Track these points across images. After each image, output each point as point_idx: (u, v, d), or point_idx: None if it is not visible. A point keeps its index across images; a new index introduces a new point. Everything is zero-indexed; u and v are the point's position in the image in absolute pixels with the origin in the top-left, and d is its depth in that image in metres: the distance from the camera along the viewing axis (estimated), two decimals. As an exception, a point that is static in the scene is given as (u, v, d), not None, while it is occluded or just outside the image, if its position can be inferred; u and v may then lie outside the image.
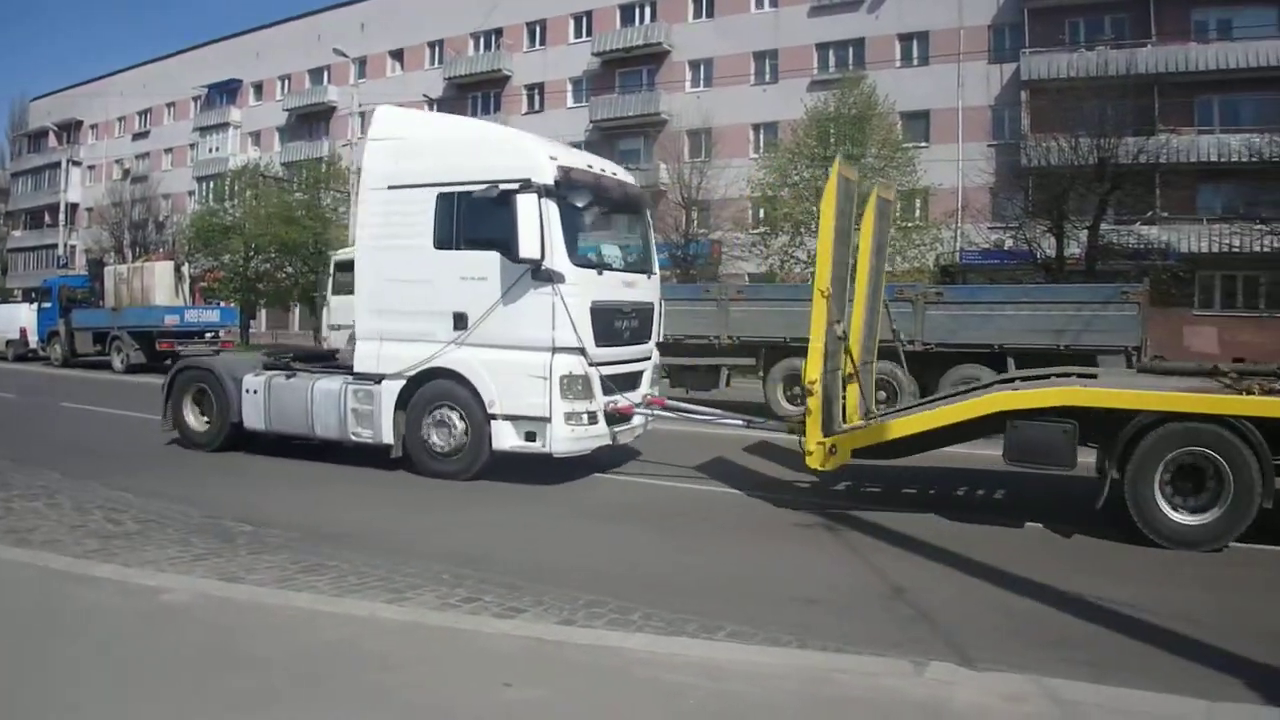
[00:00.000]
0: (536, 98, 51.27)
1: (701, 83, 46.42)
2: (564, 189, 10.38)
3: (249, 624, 5.45)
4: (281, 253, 47.37)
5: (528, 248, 9.98)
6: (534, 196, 10.01)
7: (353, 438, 11.38)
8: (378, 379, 11.13)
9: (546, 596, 6.41)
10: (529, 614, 6.04)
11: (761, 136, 43.75)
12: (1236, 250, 33.85)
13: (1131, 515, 8.11)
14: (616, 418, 10.84)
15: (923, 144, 38.90)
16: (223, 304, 42.95)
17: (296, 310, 54.27)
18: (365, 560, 7.24)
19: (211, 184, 59.56)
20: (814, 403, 9.20)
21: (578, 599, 6.36)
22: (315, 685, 4.58)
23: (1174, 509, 8.04)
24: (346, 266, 23.21)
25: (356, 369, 11.39)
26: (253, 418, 12.16)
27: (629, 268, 11.72)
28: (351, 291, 22.27)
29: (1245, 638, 5.85)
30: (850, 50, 42.65)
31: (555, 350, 10.26)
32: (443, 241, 10.77)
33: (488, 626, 5.59)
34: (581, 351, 10.36)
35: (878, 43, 41.96)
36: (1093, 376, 9.74)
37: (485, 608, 6.13)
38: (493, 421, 10.51)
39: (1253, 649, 5.63)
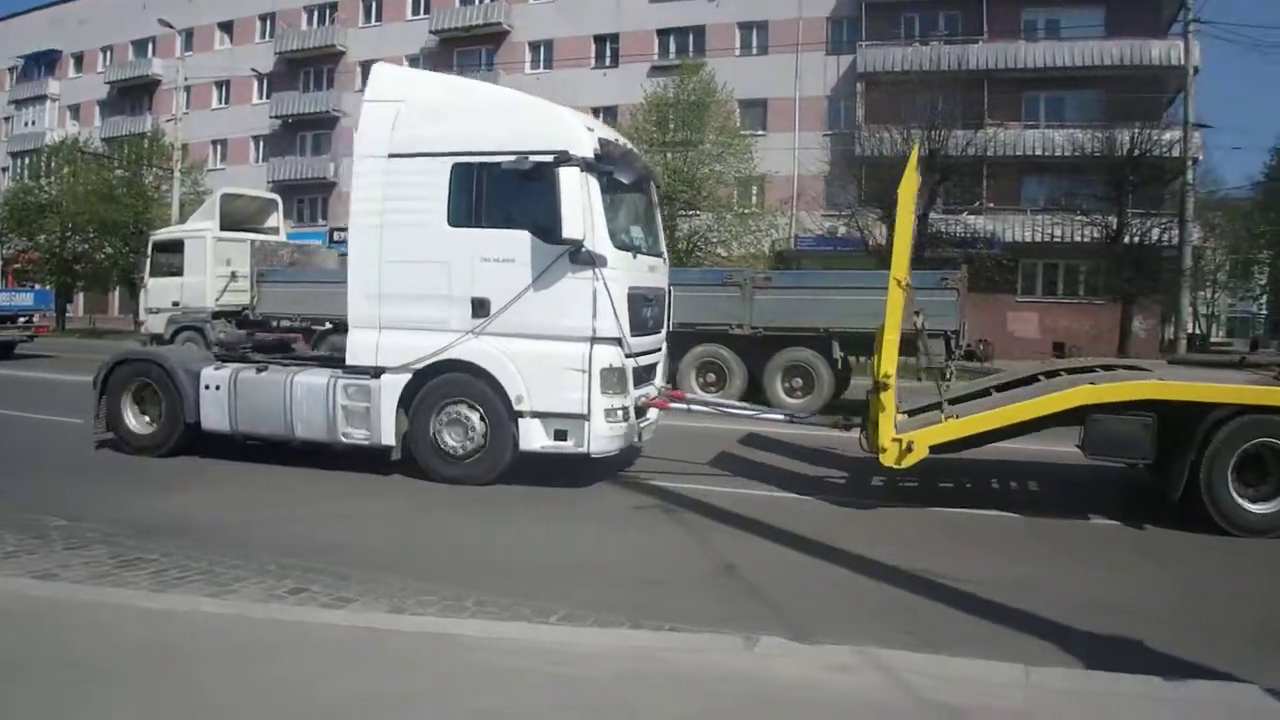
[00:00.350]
0: (372, 75, 49.48)
1: (541, 64, 46.04)
2: (602, 163, 9.41)
3: (61, 623, 5.11)
4: (100, 233, 45.07)
5: (572, 227, 8.95)
6: (577, 170, 9.01)
7: (343, 439, 10.04)
8: (375, 373, 9.85)
9: (377, 585, 6.21)
10: (358, 603, 5.86)
11: (601, 119, 42.99)
12: (1057, 240, 35.18)
13: (1206, 506, 8.17)
14: (639, 413, 9.94)
15: (760, 132, 39.55)
16: (37, 286, 40.07)
17: (116, 293, 51.78)
18: (189, 554, 6.85)
19: (27, 160, 56.07)
20: (888, 398, 8.64)
21: (409, 587, 6.18)
22: (124, 685, 4.34)
23: (1243, 499, 8.19)
24: (166, 247, 22.32)
25: (350, 361, 10.03)
26: (215, 417, 10.58)
27: (649, 250, 10.66)
28: (171, 273, 21.74)
29: (1063, 606, 6.10)
30: (691, 37, 43.06)
31: (595, 340, 9.25)
32: (460, 218, 9.56)
33: (314, 617, 5.43)
34: (618, 342, 9.40)
35: (718, 30, 42.38)
36: (1145, 370, 9.57)
37: (313, 598, 5.95)
38: (520, 420, 9.42)
39: (1072, 616, 5.88)
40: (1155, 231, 30.20)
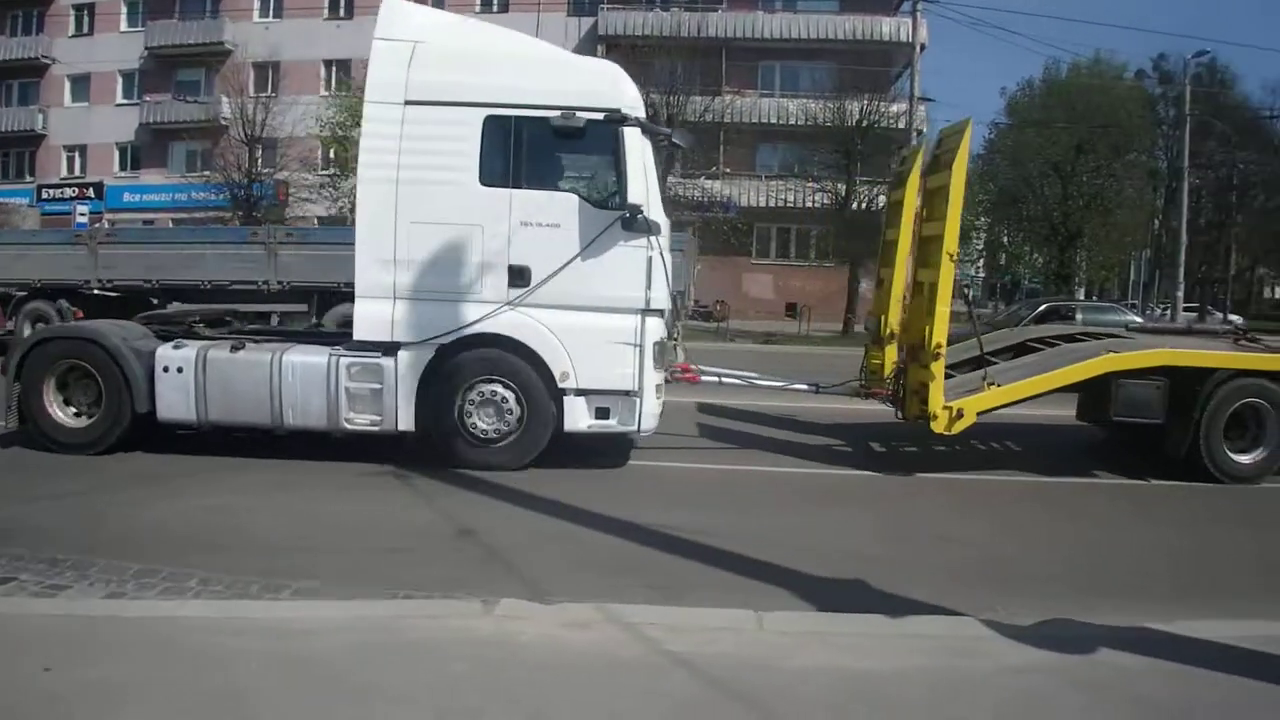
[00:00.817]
0: (85, 19, 45.61)
1: (271, 13, 43.45)
2: (651, 124, 8.73)
3: None
4: None
5: (636, 192, 8.41)
6: (639, 132, 8.44)
7: (345, 425, 8.73)
8: (388, 349, 8.64)
9: (91, 570, 5.69)
10: (72, 590, 5.39)
11: (334, 74, 41.69)
12: (791, 205, 36.72)
13: (1203, 459, 9.21)
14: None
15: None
16: None
17: None
18: None
19: None
20: (938, 367, 8.85)
21: (127, 569, 5.68)
22: None
23: (1232, 453, 9.36)
24: None
25: (358, 336, 8.76)
26: (175, 405, 8.84)
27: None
28: None
29: (796, 553, 6.32)
30: (428, -8, 41.34)
31: (647, 312, 8.58)
32: (494, 177, 8.56)
33: (22, 609, 5.00)
34: (662, 314, 8.78)
35: (458, -15, 41.04)
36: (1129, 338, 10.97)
37: (22, 588, 5.41)
38: (565, 398, 8.60)
39: (802, 562, 6.10)
40: (882, 199, 31.97)
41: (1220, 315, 47.49)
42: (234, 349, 8.94)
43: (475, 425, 8.71)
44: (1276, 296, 69.58)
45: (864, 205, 31.62)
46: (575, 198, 8.65)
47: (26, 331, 14.99)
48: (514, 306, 8.59)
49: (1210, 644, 4.87)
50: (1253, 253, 56.68)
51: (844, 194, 32.40)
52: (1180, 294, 37.15)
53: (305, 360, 8.76)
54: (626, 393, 8.60)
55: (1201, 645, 4.85)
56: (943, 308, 8.95)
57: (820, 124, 33.44)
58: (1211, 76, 51.63)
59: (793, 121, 36.41)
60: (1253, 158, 51.11)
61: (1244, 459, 9.40)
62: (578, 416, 8.69)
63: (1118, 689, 4.25)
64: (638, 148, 8.50)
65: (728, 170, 37.61)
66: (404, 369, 8.61)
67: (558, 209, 8.57)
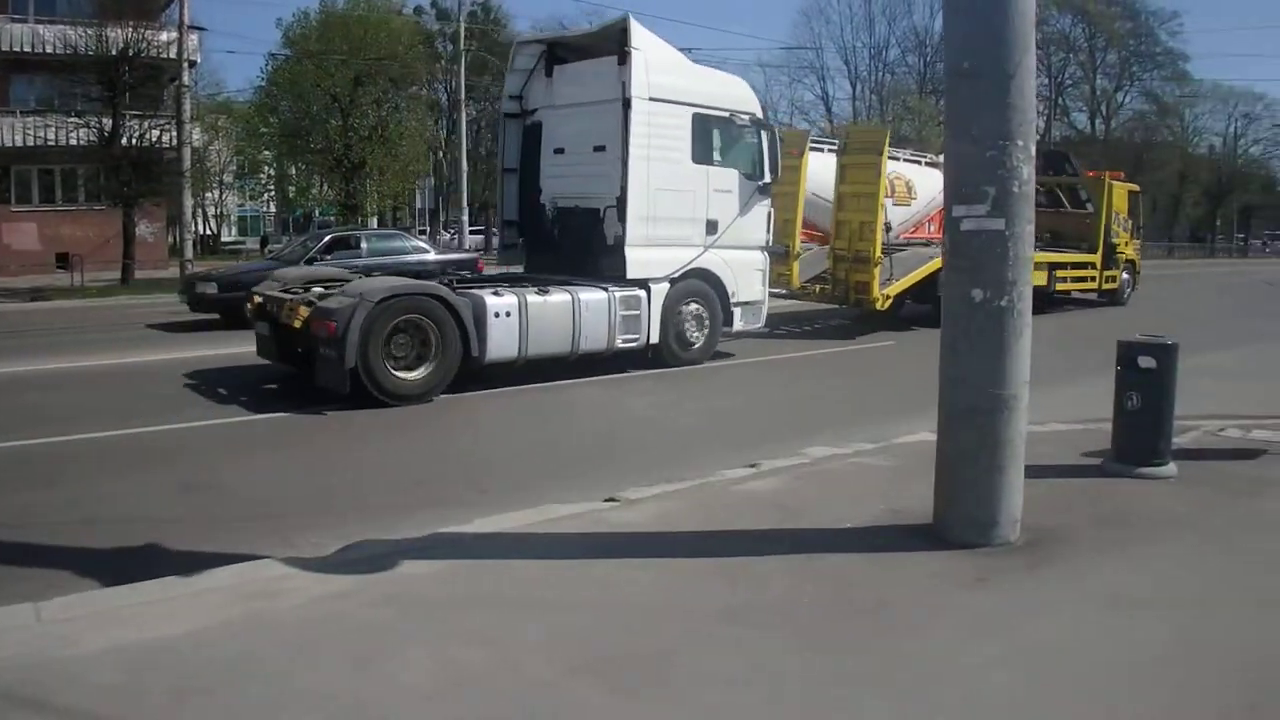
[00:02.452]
0: None
1: None
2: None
3: None
4: None
5: (774, 171, 12.97)
6: (774, 129, 13.28)
7: (616, 345, 11.53)
8: (643, 284, 11.74)
9: None
10: None
11: None
12: (51, 144, 32.68)
13: None
14: None
15: None
16: None
17: None
18: None
19: None
20: (877, 270, 15.98)
21: None
22: None
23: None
24: None
25: (630, 275, 11.62)
26: (503, 346, 10.53)
27: None
28: None
29: (79, 529, 5.85)
30: None
31: (765, 249, 13.30)
32: (698, 157, 12.14)
33: None
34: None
35: None
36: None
37: None
38: (734, 309, 12.81)
39: (87, 537, 5.65)
40: (155, 133, 29.78)
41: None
42: (541, 293, 10.99)
43: (688, 333, 12.47)
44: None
45: (135, 141, 29.16)
46: (737, 171, 12.64)
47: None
48: (708, 249, 12.40)
49: (500, 535, 5.31)
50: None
51: (111, 129, 29.56)
52: (465, 219, 40.07)
53: (594, 297, 11.34)
54: (759, 302, 13.30)
55: (491, 538, 5.26)
56: (878, 236, 16.12)
57: (80, 53, 30.08)
58: (486, 15, 55.90)
59: (50, 49, 32.31)
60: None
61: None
62: (738, 321, 13.04)
63: (414, 594, 4.42)
64: (772, 139, 13.05)
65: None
66: (653, 298, 11.90)
67: (730, 180, 12.58)
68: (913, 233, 21.15)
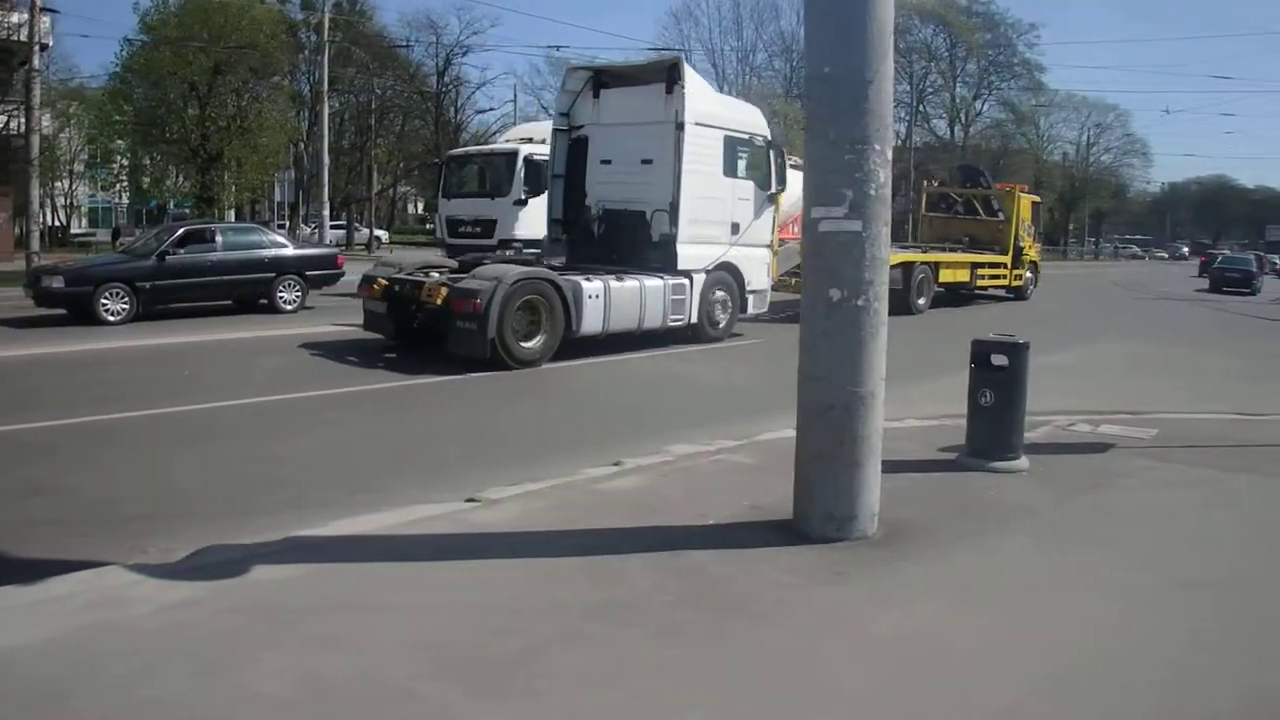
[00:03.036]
0: None
1: None
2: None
3: None
4: None
5: (779, 182, 15.63)
6: (780, 148, 16.14)
7: (670, 323, 14.22)
8: (688, 274, 14.37)
9: None
10: None
11: None
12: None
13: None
14: None
15: None
16: None
17: None
18: None
19: None
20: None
21: None
22: None
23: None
24: None
25: (681, 267, 14.20)
26: (593, 323, 13.09)
27: None
28: None
29: None
30: None
31: (769, 247, 16.29)
32: (727, 171, 14.77)
33: None
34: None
35: None
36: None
37: None
38: (748, 296, 15.80)
39: None
40: (2, 119, 28.32)
41: (367, 231, 51.18)
42: (618, 279, 13.41)
43: (716, 316, 15.21)
44: (420, 212, 77.12)
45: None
46: (753, 183, 15.21)
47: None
48: (732, 246, 14.94)
49: (358, 538, 5.21)
50: (394, 172, 61.78)
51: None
52: (326, 213, 39.08)
53: (654, 284, 13.79)
54: (765, 290, 16.25)
55: (349, 541, 5.16)
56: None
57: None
58: (351, 6, 54.62)
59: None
60: (390, 84, 55.51)
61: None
62: (750, 307, 15.89)
63: (269, 601, 4.30)
64: (775, 156, 15.53)
65: None
66: (695, 286, 14.44)
67: (748, 190, 15.15)
68: (781, 232, 22.52)
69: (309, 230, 42.99)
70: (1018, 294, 27.14)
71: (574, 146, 15.36)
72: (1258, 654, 4.10)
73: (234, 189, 40.32)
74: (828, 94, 5.19)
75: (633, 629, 4.14)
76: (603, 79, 15.27)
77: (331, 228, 40.81)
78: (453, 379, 11.21)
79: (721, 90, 66.37)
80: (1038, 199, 29.58)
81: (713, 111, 14.60)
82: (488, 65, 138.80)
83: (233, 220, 35.38)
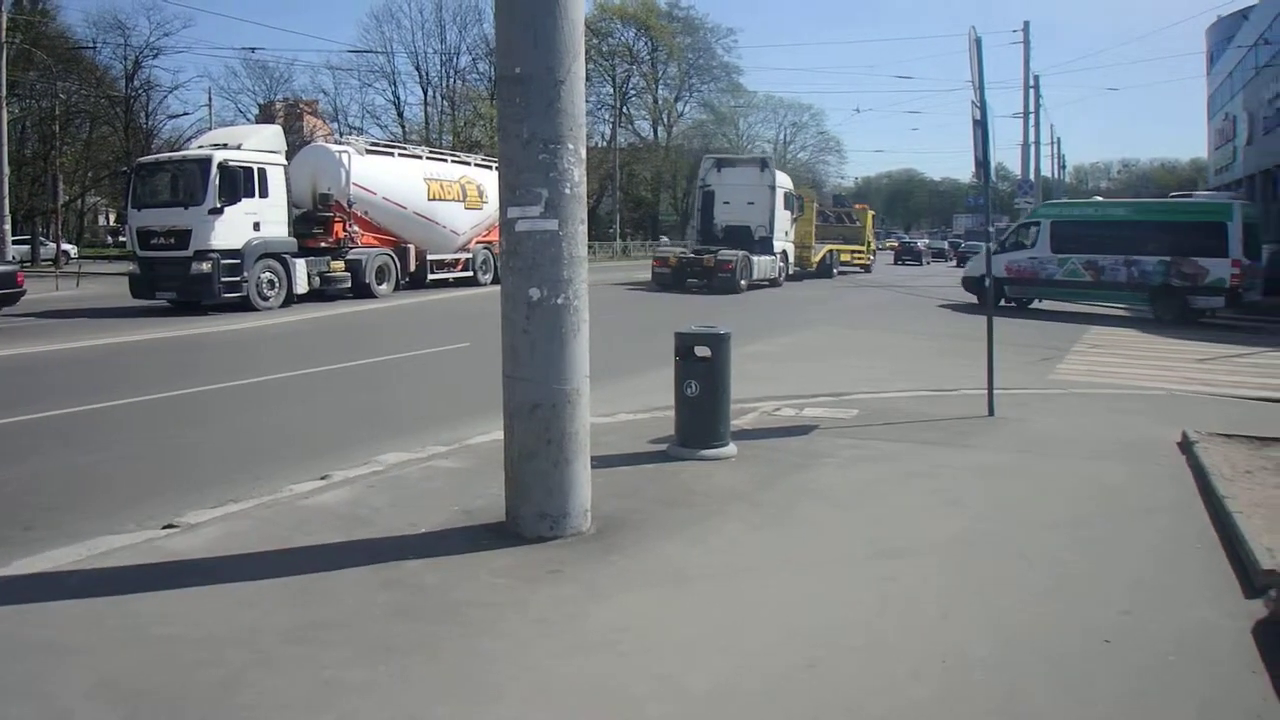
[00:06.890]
0: None
1: None
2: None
3: None
4: None
5: (799, 211, 35.64)
6: (799, 196, 37.26)
7: (771, 277, 31.74)
8: (779, 254, 32.76)
9: None
10: None
11: None
12: None
13: None
14: None
15: None
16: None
17: None
18: None
19: None
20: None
21: None
22: None
23: None
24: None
25: (775, 250, 31.95)
26: (753, 276, 30.41)
27: None
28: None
29: None
30: None
31: (793, 243, 34.59)
32: (784, 207, 32.93)
33: None
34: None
35: None
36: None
37: None
38: (783, 267, 33.33)
39: None
40: None
41: (55, 245, 47.05)
42: (758, 254, 30.79)
43: (780, 276, 32.79)
44: (111, 223, 71.62)
45: None
46: (789, 213, 33.59)
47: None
48: (783, 242, 33.19)
49: (34, 577, 4.78)
50: (82, 182, 57.10)
51: None
52: (8, 227, 35.65)
53: (766, 258, 31.04)
54: (776, 280, 32.33)
55: (26, 580, 4.73)
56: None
57: None
58: (33, 5, 49.96)
59: None
60: (75, 88, 51.20)
61: None
62: (783, 275, 33.34)
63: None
64: (796, 199, 35.95)
65: None
66: (779, 260, 32.74)
67: (788, 218, 33.60)
68: (485, 236, 29.81)
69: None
70: (867, 269, 45.65)
71: (705, 196, 32.14)
72: (945, 614, 4.42)
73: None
74: (520, 94, 5.17)
75: (338, 649, 3.97)
76: (720, 162, 33.75)
77: (14, 243, 37.34)
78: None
79: (426, 94, 66.39)
80: (873, 212, 50.69)
81: (780, 178, 32.33)
82: (181, 68, 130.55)
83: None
